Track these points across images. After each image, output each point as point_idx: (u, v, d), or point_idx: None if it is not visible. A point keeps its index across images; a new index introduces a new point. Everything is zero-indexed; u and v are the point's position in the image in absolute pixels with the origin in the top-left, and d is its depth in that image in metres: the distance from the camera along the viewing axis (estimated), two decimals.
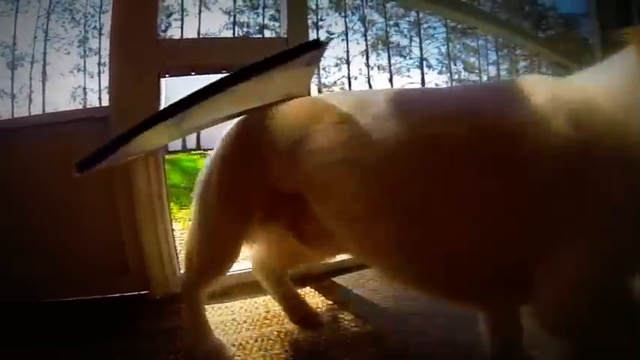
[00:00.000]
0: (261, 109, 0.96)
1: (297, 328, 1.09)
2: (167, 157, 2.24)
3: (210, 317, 1.10)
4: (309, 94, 1.27)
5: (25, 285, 1.26)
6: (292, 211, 0.94)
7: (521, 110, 0.68)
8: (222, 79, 0.78)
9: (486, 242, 0.68)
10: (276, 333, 1.08)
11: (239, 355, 1.01)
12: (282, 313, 1.15)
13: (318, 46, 0.82)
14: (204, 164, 1.03)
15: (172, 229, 1.38)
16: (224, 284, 1.25)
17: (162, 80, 1.31)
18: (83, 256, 1.29)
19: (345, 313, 1.16)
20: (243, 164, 0.95)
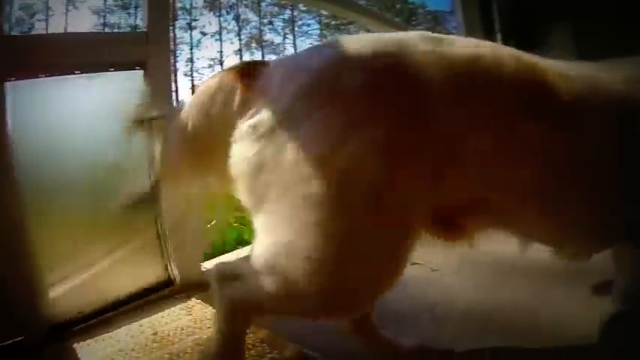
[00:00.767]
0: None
1: (190, 347, 1.02)
2: None
3: (93, 353, 1.00)
4: None
5: None
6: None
7: None
8: None
9: None
10: (167, 356, 0.99)
11: None
12: (171, 332, 1.07)
13: None
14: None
15: None
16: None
17: (8, 84, 1.08)
18: None
19: None
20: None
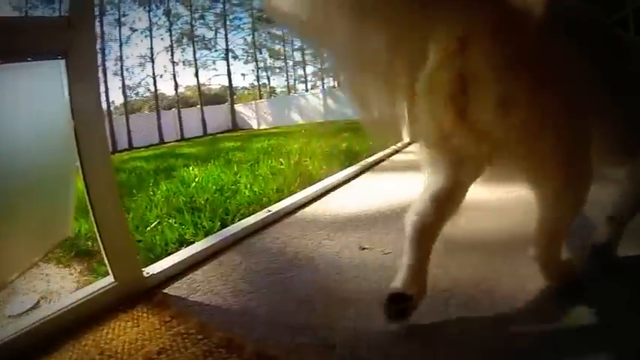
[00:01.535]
0: None
1: None
2: None
3: None
4: None
5: None
6: None
7: None
8: None
9: None
10: None
11: None
12: (119, 349, 0.96)
13: None
14: None
15: None
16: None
17: None
18: None
19: (189, 325, 1.03)
20: None
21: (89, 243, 2.16)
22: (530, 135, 0.82)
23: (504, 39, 0.75)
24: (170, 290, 1.24)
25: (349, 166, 3.15)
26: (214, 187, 3.39)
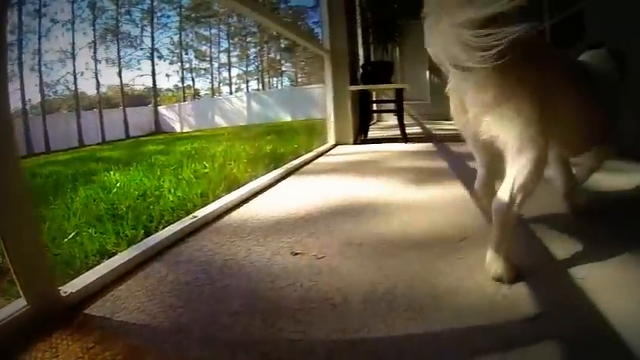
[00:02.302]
0: None
1: None
2: None
3: None
4: None
5: None
6: None
7: None
8: None
9: None
10: None
11: None
12: None
13: None
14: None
15: None
16: None
17: None
18: None
19: (116, 351, 0.90)
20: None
21: None
22: (506, 125, 1.15)
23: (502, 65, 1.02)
24: (92, 310, 1.08)
25: (274, 169, 3.10)
26: (137, 192, 3.18)
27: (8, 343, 0.93)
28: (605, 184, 2.10)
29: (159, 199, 2.85)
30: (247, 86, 33.15)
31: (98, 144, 17.47)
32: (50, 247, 1.91)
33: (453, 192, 2.27)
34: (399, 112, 4.89)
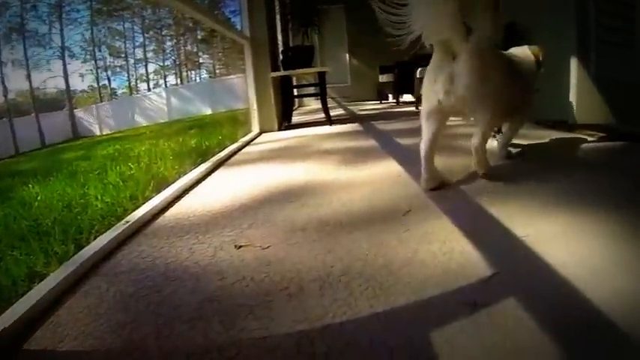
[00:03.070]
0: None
1: None
2: None
3: None
4: None
5: None
6: None
7: None
8: None
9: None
10: None
11: None
12: None
13: None
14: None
15: None
16: None
17: None
18: None
19: None
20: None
21: None
22: (480, 101, 1.69)
23: (474, 57, 1.62)
24: (31, 344, 0.92)
25: (202, 163, 2.96)
26: (61, 203, 2.92)
27: None
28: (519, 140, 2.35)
29: (86, 208, 2.64)
30: (165, 82, 31.68)
31: (11, 157, 15.98)
32: None
33: (386, 168, 2.29)
34: (322, 96, 4.87)
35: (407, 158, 2.57)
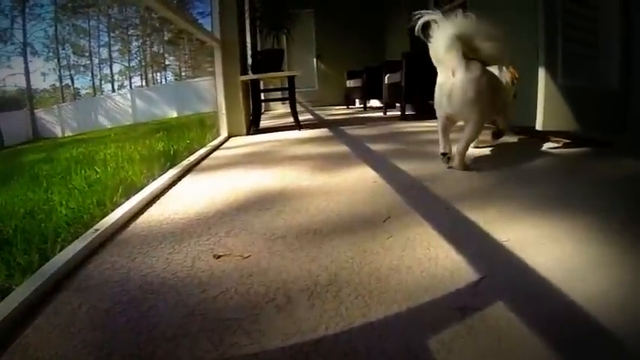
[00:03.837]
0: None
1: None
2: None
3: None
4: None
5: None
6: None
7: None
8: None
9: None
10: None
11: None
12: None
13: None
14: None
15: None
16: None
17: None
18: None
19: None
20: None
21: None
22: (472, 111, 2.13)
23: (468, 74, 2.08)
24: None
25: (170, 168, 2.86)
26: (22, 210, 2.75)
27: None
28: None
29: (50, 215, 2.49)
30: (131, 83, 30.76)
31: None
32: None
33: (361, 174, 2.26)
34: (291, 100, 4.81)
35: (380, 164, 2.55)
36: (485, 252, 1.21)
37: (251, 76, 4.79)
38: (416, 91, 5.01)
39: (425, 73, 5.17)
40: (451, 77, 2.11)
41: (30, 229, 2.20)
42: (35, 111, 24.29)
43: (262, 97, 5.23)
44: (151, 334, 0.90)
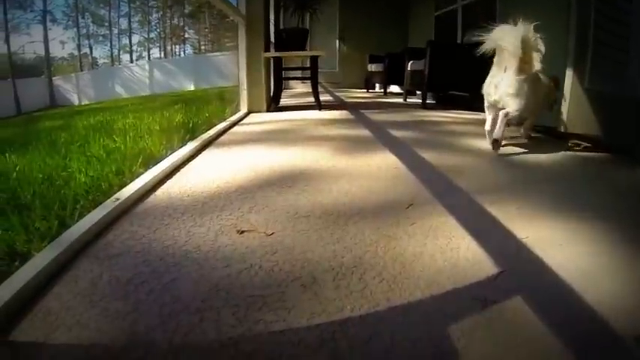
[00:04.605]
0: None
1: None
2: None
3: None
4: None
5: None
6: None
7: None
8: None
9: None
10: None
11: None
12: None
13: None
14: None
15: None
16: None
17: None
18: None
19: None
20: None
21: None
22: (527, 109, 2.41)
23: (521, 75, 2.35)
24: (19, 335, 0.79)
25: (190, 141, 2.83)
26: (41, 175, 2.75)
27: None
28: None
29: (68, 182, 2.48)
30: (149, 54, 30.74)
31: None
32: None
33: (382, 159, 2.22)
34: (313, 80, 4.74)
35: (402, 151, 2.50)
36: (505, 247, 1.20)
37: (275, 53, 4.72)
38: (439, 80, 4.90)
39: (449, 63, 5.14)
40: (502, 72, 2.41)
41: (48, 195, 2.19)
42: (53, 79, 24.44)
43: (284, 75, 5.16)
44: (174, 307, 0.89)
